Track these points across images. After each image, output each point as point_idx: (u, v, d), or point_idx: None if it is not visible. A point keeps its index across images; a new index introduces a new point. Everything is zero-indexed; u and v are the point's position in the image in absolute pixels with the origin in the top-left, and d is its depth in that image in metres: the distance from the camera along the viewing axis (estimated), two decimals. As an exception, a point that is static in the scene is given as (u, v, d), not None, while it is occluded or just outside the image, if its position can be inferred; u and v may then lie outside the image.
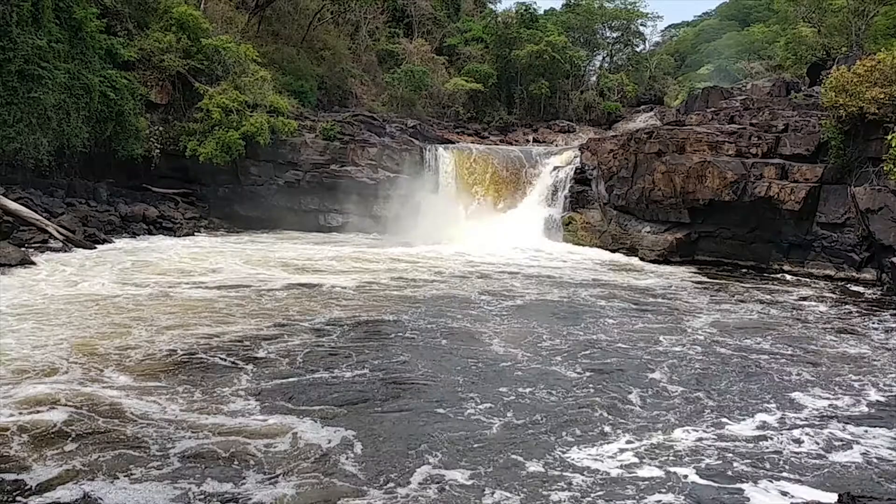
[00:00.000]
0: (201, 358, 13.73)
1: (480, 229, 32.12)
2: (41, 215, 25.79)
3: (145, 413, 10.89)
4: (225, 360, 13.68)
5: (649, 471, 9.87)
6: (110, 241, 27.10)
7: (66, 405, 10.99)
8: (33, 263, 22.13)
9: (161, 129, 32.39)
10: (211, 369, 13.12)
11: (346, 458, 9.77)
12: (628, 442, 10.77)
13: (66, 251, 24.63)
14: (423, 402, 11.99)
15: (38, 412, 10.69)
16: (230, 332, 15.64)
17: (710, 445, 10.74)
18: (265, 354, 14.14)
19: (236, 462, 9.52)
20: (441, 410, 11.60)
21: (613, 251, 30.46)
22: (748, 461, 10.27)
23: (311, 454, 9.84)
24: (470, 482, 9.31)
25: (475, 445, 10.38)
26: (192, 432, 10.32)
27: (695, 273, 26.88)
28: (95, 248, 25.77)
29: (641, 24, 63.43)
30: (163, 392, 11.81)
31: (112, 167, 31.25)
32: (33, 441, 9.83)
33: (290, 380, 12.69)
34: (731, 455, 10.45)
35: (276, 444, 10.10)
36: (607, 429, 11.24)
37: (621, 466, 9.98)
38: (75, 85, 28.10)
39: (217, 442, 10.07)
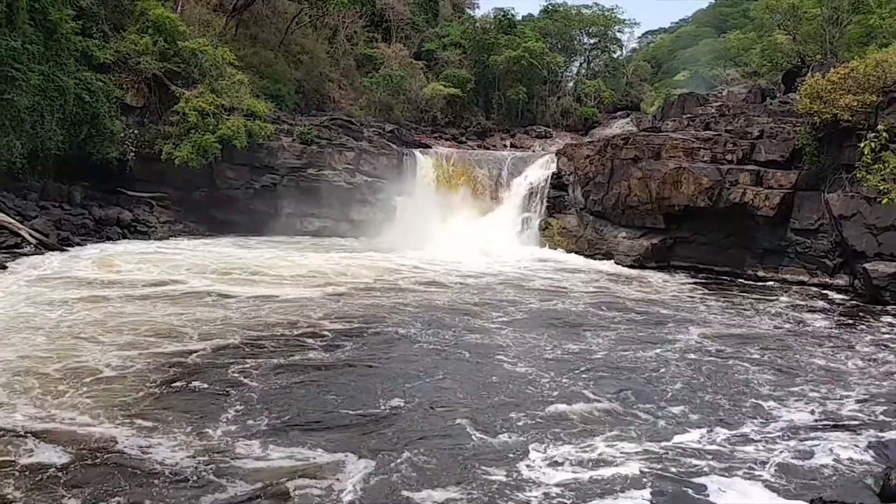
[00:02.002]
0: (190, 380, 12.90)
1: (458, 234, 32.06)
2: (14, 218, 25.54)
3: (151, 458, 9.82)
4: (209, 383, 12.85)
5: (619, 475, 9.90)
6: (84, 245, 26.85)
7: (56, 444, 10.04)
8: (4, 268, 21.91)
9: (136, 132, 32.11)
10: (200, 394, 12.38)
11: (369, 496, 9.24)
12: (600, 448, 10.80)
13: (39, 255, 24.42)
14: (438, 424, 11.52)
15: (28, 451, 9.85)
16: (203, 348, 15.02)
17: (682, 453, 10.76)
18: (255, 373, 13.45)
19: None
20: (457, 435, 11.14)
21: (590, 256, 30.48)
22: (720, 468, 10.28)
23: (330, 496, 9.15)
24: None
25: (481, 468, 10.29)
26: (215, 478, 9.38)
27: (675, 279, 26.96)
28: (68, 251, 25.57)
29: (618, 31, 63.88)
30: (158, 429, 10.75)
31: (86, 170, 30.91)
32: (32, 488, 8.93)
33: (289, 404, 12.01)
34: (702, 462, 10.48)
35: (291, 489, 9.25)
36: (586, 435, 11.27)
37: (592, 471, 10.01)
38: (50, 87, 27.81)
39: (245, 491, 9.16)
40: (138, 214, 31.28)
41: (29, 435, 10.33)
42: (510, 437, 11.05)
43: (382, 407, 12.08)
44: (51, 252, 24.97)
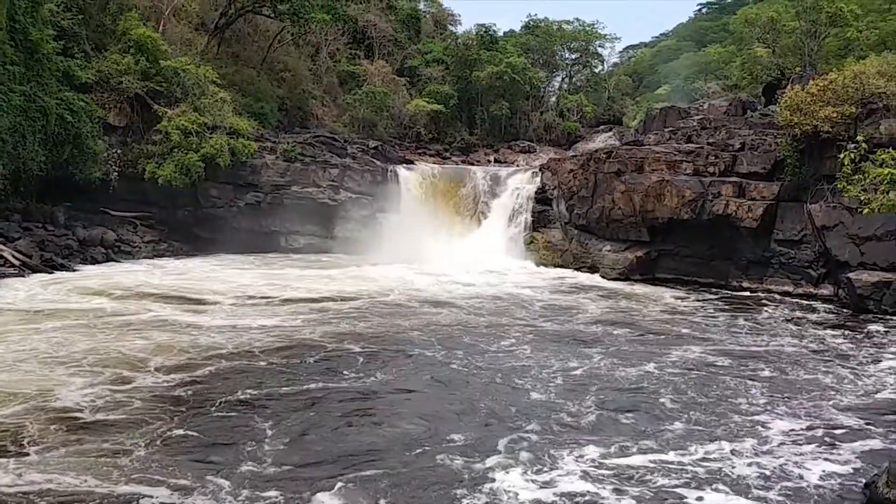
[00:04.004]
0: (191, 421, 11.97)
1: (444, 249, 32.07)
2: (-4, 240, 25.39)
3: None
4: (216, 422, 12.00)
5: (606, 492, 9.94)
6: (68, 267, 26.63)
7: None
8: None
9: (119, 151, 31.97)
10: (212, 437, 11.42)
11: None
12: (586, 465, 10.81)
13: (22, 276, 24.27)
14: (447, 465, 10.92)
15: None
16: (192, 380, 14.35)
17: (672, 468, 10.77)
18: (268, 411, 12.50)
19: None
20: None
21: (575, 270, 30.56)
22: (709, 483, 10.30)
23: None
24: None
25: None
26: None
27: (663, 292, 26.88)
28: (53, 273, 25.42)
29: (600, 46, 64.07)
30: (186, 488, 9.71)
31: (69, 191, 30.74)
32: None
33: (318, 444, 11.32)
34: (692, 477, 10.51)
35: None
36: (573, 452, 11.27)
37: (584, 489, 10.02)
38: (31, 107, 27.64)
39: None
40: (122, 234, 31.12)
41: (36, 497, 9.22)
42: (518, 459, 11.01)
43: (418, 447, 11.33)
44: (35, 274, 24.81)
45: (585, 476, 10.34)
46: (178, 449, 10.94)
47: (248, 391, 13.63)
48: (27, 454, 10.50)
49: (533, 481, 10.15)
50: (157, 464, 10.34)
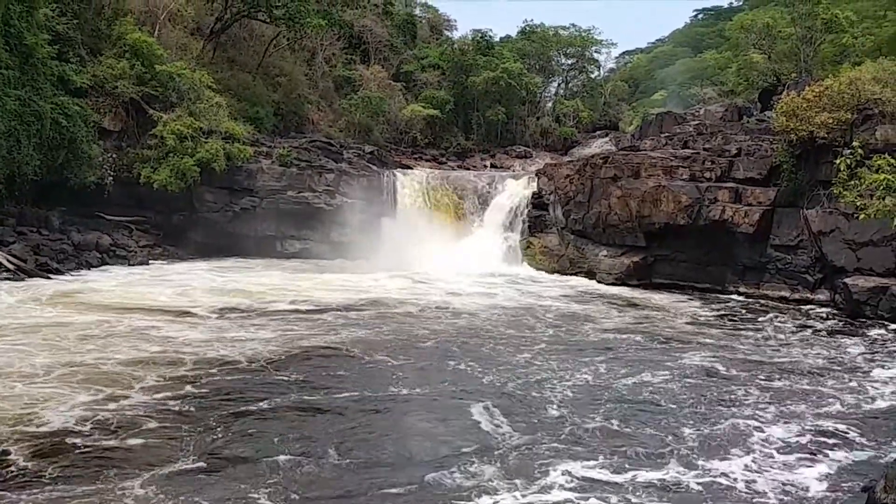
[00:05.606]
0: (205, 443, 11.26)
1: (441, 254, 31.93)
2: (-10, 245, 25.30)
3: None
4: (231, 444, 11.37)
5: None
6: (62, 271, 26.51)
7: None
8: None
9: (114, 156, 31.88)
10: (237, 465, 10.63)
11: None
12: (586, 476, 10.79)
13: (16, 280, 24.19)
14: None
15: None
16: (193, 394, 13.74)
17: (671, 479, 10.71)
18: (292, 436, 11.71)
19: None
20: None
21: (572, 275, 30.51)
22: (708, 492, 10.28)
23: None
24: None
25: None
26: None
27: (665, 297, 26.81)
28: (50, 278, 25.31)
29: (596, 51, 64.43)
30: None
31: (64, 195, 30.61)
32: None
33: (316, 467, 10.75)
34: (692, 486, 10.47)
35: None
36: (563, 467, 11.24)
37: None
38: (26, 112, 27.51)
39: None
40: (117, 239, 30.99)
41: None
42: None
43: (427, 465, 10.98)
44: (31, 278, 24.71)
45: (582, 488, 10.29)
46: (188, 476, 10.22)
47: (259, 405, 13.17)
48: (20, 486, 9.70)
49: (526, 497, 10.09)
50: (166, 494, 9.62)
